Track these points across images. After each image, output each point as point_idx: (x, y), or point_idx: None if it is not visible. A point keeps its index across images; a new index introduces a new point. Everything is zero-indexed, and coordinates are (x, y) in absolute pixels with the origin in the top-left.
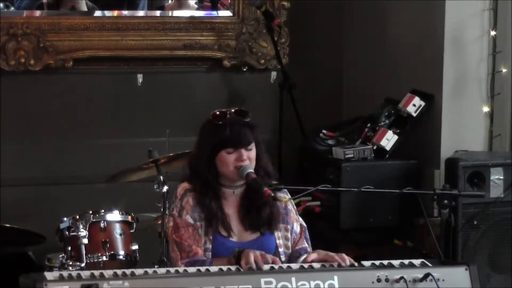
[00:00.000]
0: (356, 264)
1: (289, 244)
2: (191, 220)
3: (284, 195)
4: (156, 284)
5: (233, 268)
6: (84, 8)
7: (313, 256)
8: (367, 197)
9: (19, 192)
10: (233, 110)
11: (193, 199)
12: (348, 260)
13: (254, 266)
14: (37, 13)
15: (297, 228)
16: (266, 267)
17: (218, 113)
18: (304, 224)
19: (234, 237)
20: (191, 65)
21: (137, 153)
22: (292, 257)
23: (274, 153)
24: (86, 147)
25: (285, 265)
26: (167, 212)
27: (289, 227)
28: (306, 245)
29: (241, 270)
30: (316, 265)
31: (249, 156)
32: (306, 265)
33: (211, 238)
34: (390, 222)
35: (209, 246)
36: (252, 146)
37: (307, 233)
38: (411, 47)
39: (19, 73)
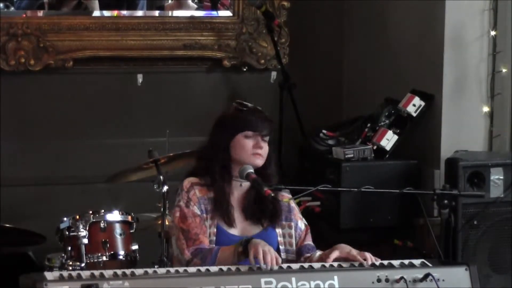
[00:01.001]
0: (377, 263)
1: (293, 241)
2: (198, 211)
3: (287, 195)
4: (156, 284)
5: (233, 268)
6: (97, 8)
7: (335, 254)
8: (367, 197)
9: (19, 192)
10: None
11: (199, 192)
12: (370, 259)
13: (263, 263)
14: (37, 13)
15: (301, 226)
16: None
17: (242, 102)
18: (307, 224)
19: (236, 229)
20: (191, 65)
21: (137, 153)
22: (301, 252)
23: (274, 153)
24: (86, 147)
25: (285, 265)
26: (167, 212)
27: (292, 224)
28: (311, 243)
29: (241, 270)
30: (316, 265)
31: (265, 148)
32: (306, 265)
33: (215, 230)
34: (390, 222)
35: (213, 238)
36: (267, 140)
37: (310, 233)
38: (411, 47)
39: (19, 73)
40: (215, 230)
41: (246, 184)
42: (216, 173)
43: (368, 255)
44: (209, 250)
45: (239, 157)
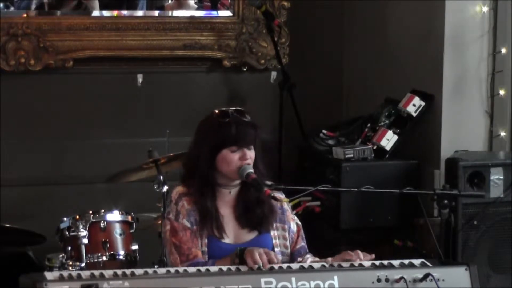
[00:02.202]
0: (377, 263)
1: (288, 243)
2: (188, 224)
3: (282, 196)
4: (156, 284)
5: (233, 268)
6: (97, 8)
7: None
8: (367, 197)
9: (19, 192)
10: (233, 109)
11: (188, 203)
12: (361, 254)
13: (260, 263)
14: (37, 13)
15: (294, 227)
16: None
17: (221, 111)
18: (299, 223)
19: (228, 238)
20: (191, 65)
21: (137, 153)
22: (294, 257)
23: (274, 153)
24: (86, 147)
25: (285, 265)
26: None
27: (286, 226)
28: (304, 243)
29: (241, 270)
30: (316, 265)
31: (251, 156)
32: (306, 265)
33: (206, 241)
34: (390, 222)
35: (205, 249)
36: (253, 146)
37: (302, 232)
38: (411, 47)
39: (19, 73)
40: (206, 240)
41: (235, 190)
42: (199, 184)
43: (358, 251)
44: (204, 265)
45: (225, 171)
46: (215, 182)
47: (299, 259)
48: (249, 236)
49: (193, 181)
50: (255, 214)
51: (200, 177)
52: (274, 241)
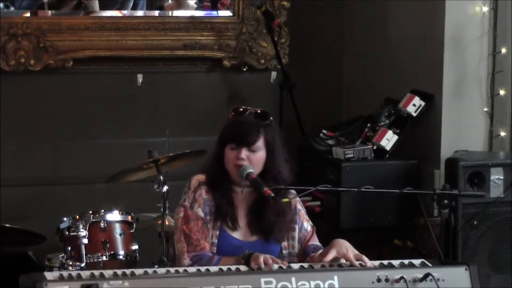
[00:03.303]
0: (376, 263)
1: (295, 243)
2: (201, 214)
3: (291, 196)
4: (156, 284)
5: (233, 268)
6: (97, 8)
7: (332, 254)
8: (367, 197)
9: (19, 192)
10: (255, 111)
11: (206, 193)
12: (368, 263)
13: (263, 265)
14: (37, 13)
15: (307, 227)
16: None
17: (238, 108)
18: (314, 226)
19: (239, 233)
20: (191, 65)
21: (137, 153)
22: (306, 252)
23: None
24: (86, 147)
25: (285, 265)
26: (167, 212)
27: (296, 226)
28: (318, 243)
29: (241, 270)
30: (316, 265)
31: (250, 157)
32: (306, 265)
33: (217, 233)
34: (390, 222)
35: (215, 240)
36: (258, 148)
37: (315, 235)
38: (411, 47)
39: (19, 73)
40: (218, 232)
41: (246, 191)
42: (216, 177)
43: (365, 259)
44: (210, 259)
45: (226, 167)
46: (228, 177)
47: (312, 254)
48: (257, 237)
49: (211, 174)
50: (269, 227)
51: (212, 169)
52: (282, 243)
